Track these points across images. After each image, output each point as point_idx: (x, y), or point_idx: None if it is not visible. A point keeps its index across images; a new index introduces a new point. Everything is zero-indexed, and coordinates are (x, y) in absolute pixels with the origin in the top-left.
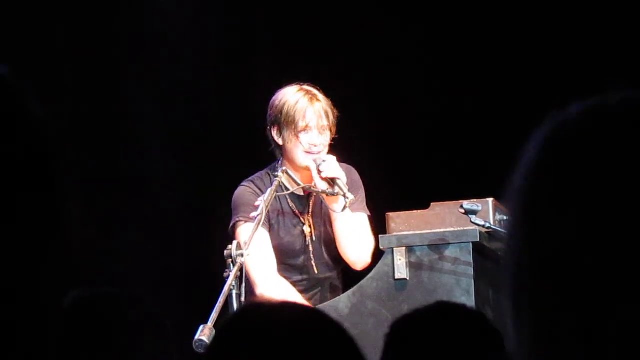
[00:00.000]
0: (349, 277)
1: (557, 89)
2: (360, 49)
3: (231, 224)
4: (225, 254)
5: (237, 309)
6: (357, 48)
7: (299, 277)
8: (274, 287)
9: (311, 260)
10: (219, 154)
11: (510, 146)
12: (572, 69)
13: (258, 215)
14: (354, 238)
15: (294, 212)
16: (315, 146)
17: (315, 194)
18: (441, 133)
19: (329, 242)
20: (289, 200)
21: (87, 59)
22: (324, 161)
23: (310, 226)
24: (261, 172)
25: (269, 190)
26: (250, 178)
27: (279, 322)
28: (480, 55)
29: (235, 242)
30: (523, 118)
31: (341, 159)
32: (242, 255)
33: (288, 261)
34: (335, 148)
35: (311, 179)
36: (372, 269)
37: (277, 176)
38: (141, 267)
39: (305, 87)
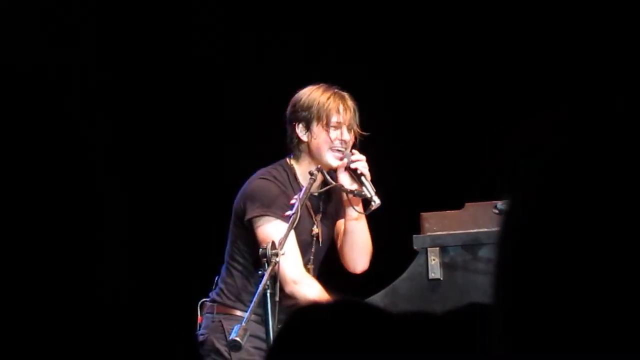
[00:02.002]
0: (379, 277)
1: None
2: (390, 45)
3: (254, 216)
4: (259, 253)
5: (291, 314)
6: (386, 45)
7: None
8: (306, 285)
9: (313, 262)
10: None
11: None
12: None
13: (293, 215)
14: (364, 242)
15: (309, 212)
16: (344, 142)
17: (328, 197)
18: (476, 133)
19: (328, 247)
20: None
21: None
22: (352, 154)
23: (319, 228)
24: (271, 166)
25: (304, 189)
26: (266, 171)
27: (338, 322)
28: (516, 54)
29: (269, 242)
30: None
31: (375, 159)
32: (276, 255)
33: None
34: (370, 148)
35: (322, 180)
36: (405, 270)
37: (312, 174)
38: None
39: (333, 87)
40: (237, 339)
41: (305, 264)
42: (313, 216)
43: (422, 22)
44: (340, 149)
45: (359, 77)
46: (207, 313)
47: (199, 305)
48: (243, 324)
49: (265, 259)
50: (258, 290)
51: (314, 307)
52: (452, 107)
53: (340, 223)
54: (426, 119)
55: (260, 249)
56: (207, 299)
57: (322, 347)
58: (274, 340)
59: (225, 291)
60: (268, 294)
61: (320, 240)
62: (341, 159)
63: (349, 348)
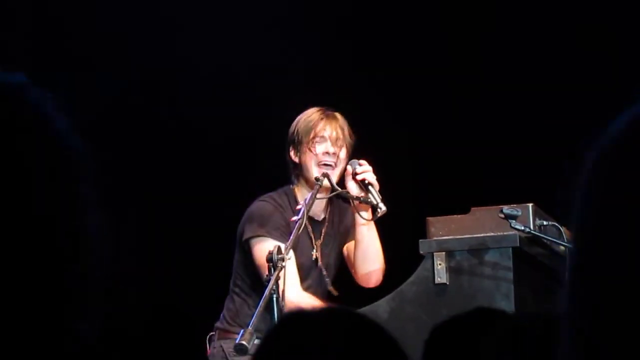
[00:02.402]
0: (386, 281)
1: (599, 97)
2: (395, 53)
3: (250, 236)
4: (265, 258)
5: (279, 318)
6: (393, 53)
7: None
8: (297, 302)
9: (317, 287)
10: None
11: (551, 151)
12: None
13: (299, 219)
14: (375, 254)
15: (309, 236)
16: (328, 154)
17: (330, 218)
18: (482, 138)
19: (331, 273)
20: (306, 221)
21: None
22: (359, 165)
23: (318, 252)
24: (276, 191)
25: (310, 195)
26: (267, 195)
27: (324, 328)
28: (520, 60)
29: (276, 247)
30: (565, 122)
31: (382, 165)
32: (282, 260)
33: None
34: (376, 154)
35: (326, 204)
36: (411, 274)
37: (318, 180)
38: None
39: (323, 108)
40: (244, 342)
41: (306, 288)
42: (313, 240)
43: (432, 30)
44: (327, 162)
45: (367, 84)
46: (211, 343)
47: (207, 339)
48: (249, 327)
49: (271, 264)
50: (264, 295)
51: (302, 312)
52: (458, 113)
53: (351, 244)
54: (434, 124)
55: (267, 254)
56: (213, 332)
57: (307, 353)
58: (260, 344)
59: (227, 316)
60: (274, 298)
61: (320, 263)
62: (349, 164)
63: (333, 354)
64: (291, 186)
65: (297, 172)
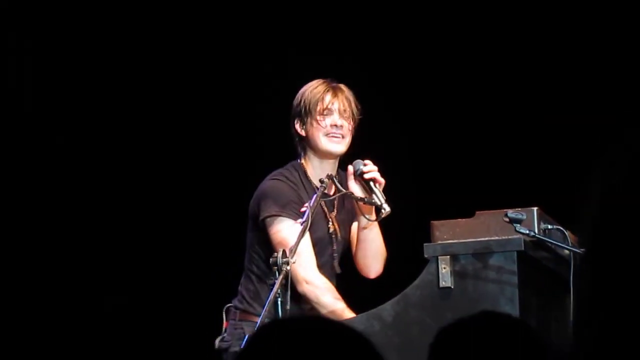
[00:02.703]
0: (390, 285)
1: (602, 103)
2: (398, 52)
3: (267, 216)
4: (270, 262)
5: (257, 328)
6: (397, 52)
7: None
8: (318, 286)
9: (334, 259)
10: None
11: (555, 155)
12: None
13: (304, 222)
14: (377, 249)
15: (323, 210)
16: (336, 127)
17: (340, 197)
18: (486, 141)
19: (343, 246)
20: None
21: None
22: (364, 165)
23: (336, 225)
24: (283, 168)
25: (315, 196)
26: (278, 172)
27: (302, 339)
28: (526, 64)
29: (281, 250)
30: (568, 126)
31: (385, 167)
32: (287, 263)
33: (319, 259)
34: (380, 156)
35: (337, 177)
36: (415, 278)
37: (322, 182)
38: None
39: (327, 79)
40: None
41: (329, 261)
42: (327, 214)
43: (440, 34)
44: (335, 134)
45: (371, 85)
46: (231, 319)
47: (224, 310)
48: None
49: (276, 267)
50: (269, 298)
51: (280, 323)
52: (463, 116)
53: (355, 227)
54: (438, 127)
55: (271, 258)
56: (231, 305)
57: None
58: (239, 354)
59: (247, 297)
60: (279, 302)
61: (339, 235)
62: (352, 165)
63: None
64: (299, 160)
65: (304, 144)
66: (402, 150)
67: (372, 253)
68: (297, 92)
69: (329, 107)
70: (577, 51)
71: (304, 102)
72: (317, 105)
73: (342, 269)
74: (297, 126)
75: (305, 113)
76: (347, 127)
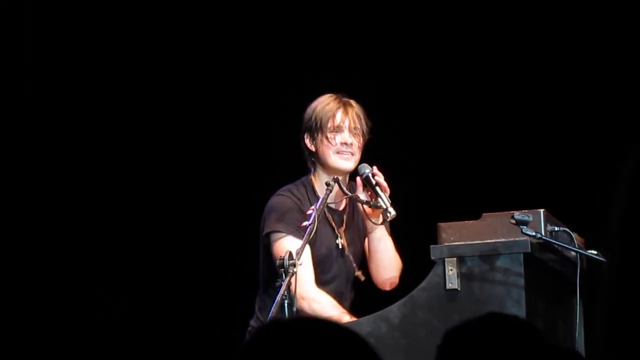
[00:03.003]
0: (397, 287)
1: (610, 102)
2: (402, 55)
3: (268, 231)
4: (277, 264)
5: (256, 329)
6: (400, 55)
7: (327, 290)
8: (316, 300)
9: (343, 274)
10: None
11: (561, 157)
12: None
13: (310, 225)
14: (388, 256)
15: (330, 224)
16: (346, 145)
17: (349, 209)
18: (493, 143)
19: (358, 259)
20: (326, 211)
21: None
22: (367, 170)
23: (344, 239)
24: (292, 184)
25: (321, 199)
26: (285, 188)
27: (301, 341)
28: (531, 66)
29: (287, 252)
30: (576, 127)
31: (393, 170)
32: (294, 265)
33: (319, 273)
34: (386, 159)
35: (346, 186)
36: (422, 280)
37: (329, 185)
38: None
39: (338, 95)
40: None
41: (333, 276)
42: (336, 228)
43: (443, 35)
44: (345, 152)
45: (375, 89)
46: None
47: (247, 333)
48: None
49: (282, 270)
50: (276, 300)
51: (279, 325)
52: (469, 118)
53: (367, 241)
54: (444, 129)
55: (278, 260)
56: (249, 327)
57: None
58: (239, 355)
59: (259, 314)
60: (286, 304)
61: (346, 250)
62: (358, 171)
63: None
64: (309, 176)
65: (313, 160)
66: (409, 151)
67: (385, 264)
68: (306, 104)
69: (339, 124)
70: (579, 50)
71: (315, 118)
72: (328, 122)
73: (363, 276)
74: (307, 141)
75: (316, 129)
76: (357, 144)
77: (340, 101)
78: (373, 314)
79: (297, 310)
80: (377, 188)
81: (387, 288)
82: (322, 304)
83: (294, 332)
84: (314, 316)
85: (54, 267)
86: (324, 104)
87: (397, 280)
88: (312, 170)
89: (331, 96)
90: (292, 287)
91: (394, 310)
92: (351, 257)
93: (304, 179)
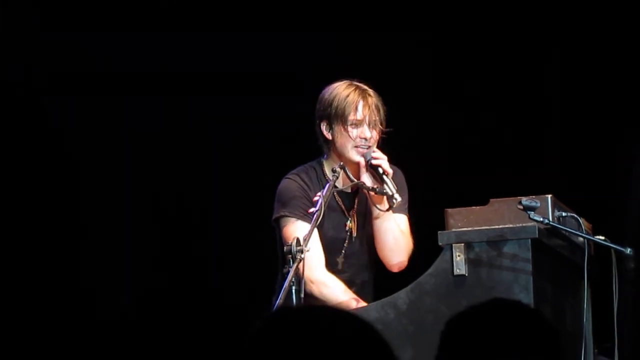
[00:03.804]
0: (405, 273)
1: (617, 89)
2: (416, 41)
3: (276, 217)
4: (284, 250)
5: (265, 315)
6: (411, 40)
7: (335, 273)
8: (325, 283)
9: (352, 257)
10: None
11: (569, 143)
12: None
13: (317, 212)
14: (393, 239)
15: (340, 208)
16: (365, 139)
17: (360, 193)
18: (500, 129)
19: (371, 243)
20: (336, 195)
21: None
22: (373, 152)
23: (354, 222)
24: (304, 165)
25: (327, 185)
26: (294, 171)
27: (309, 327)
28: (536, 54)
29: (294, 238)
30: (583, 114)
31: (399, 156)
32: (302, 252)
33: (328, 256)
34: (394, 144)
35: (359, 175)
36: (430, 265)
37: (335, 171)
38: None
39: (355, 82)
40: None
41: (342, 259)
42: (346, 212)
43: (440, 18)
44: (363, 146)
45: (386, 70)
46: None
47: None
48: None
49: (290, 256)
50: (284, 287)
51: (287, 311)
52: (477, 104)
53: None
54: (451, 115)
55: (285, 246)
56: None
57: (293, 352)
58: (246, 342)
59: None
60: (293, 290)
61: (354, 234)
62: (363, 155)
63: (315, 353)
64: (322, 159)
65: (329, 147)
66: (416, 137)
67: (390, 244)
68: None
69: (359, 117)
70: (581, 50)
71: (336, 108)
72: (349, 115)
73: (358, 270)
74: (324, 128)
75: (335, 119)
76: (375, 137)
77: (360, 92)
78: (380, 300)
79: (306, 295)
80: (382, 174)
81: (394, 269)
82: (331, 288)
83: (301, 320)
84: (321, 303)
85: (53, 267)
86: (344, 94)
87: (405, 263)
88: (326, 155)
89: (350, 85)
90: (300, 273)
91: (401, 297)
92: (362, 242)
93: (315, 161)
